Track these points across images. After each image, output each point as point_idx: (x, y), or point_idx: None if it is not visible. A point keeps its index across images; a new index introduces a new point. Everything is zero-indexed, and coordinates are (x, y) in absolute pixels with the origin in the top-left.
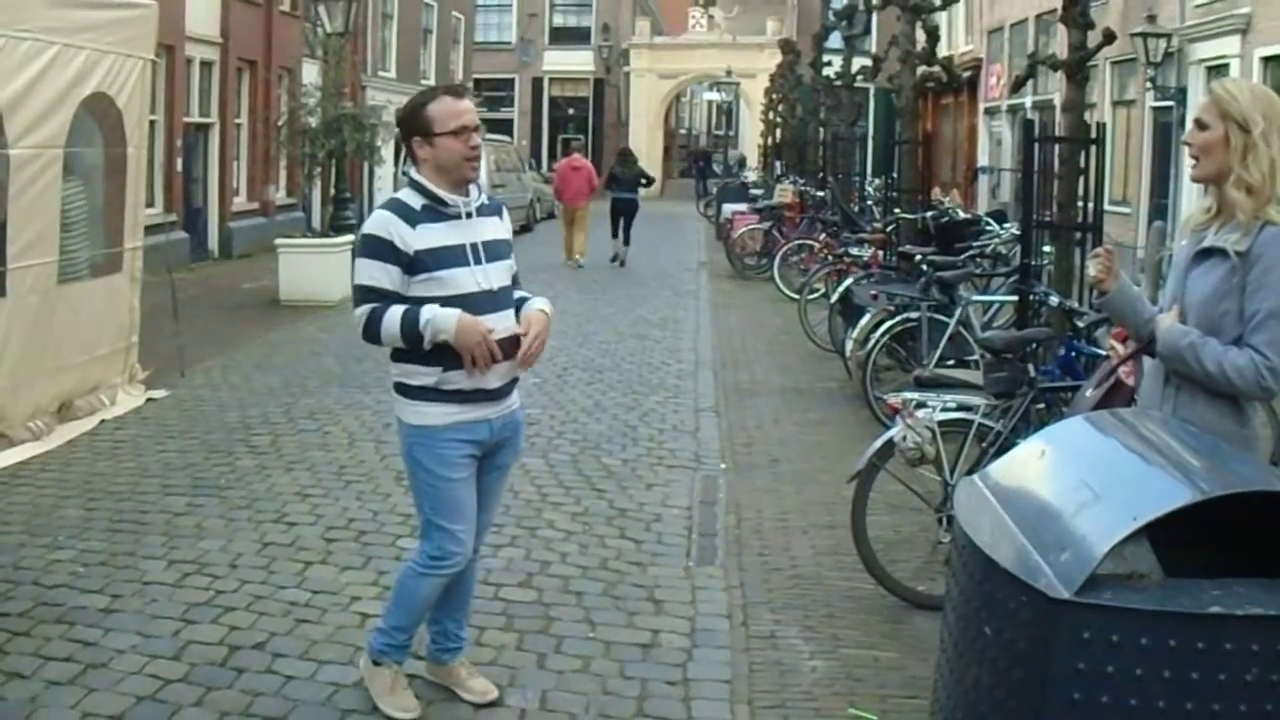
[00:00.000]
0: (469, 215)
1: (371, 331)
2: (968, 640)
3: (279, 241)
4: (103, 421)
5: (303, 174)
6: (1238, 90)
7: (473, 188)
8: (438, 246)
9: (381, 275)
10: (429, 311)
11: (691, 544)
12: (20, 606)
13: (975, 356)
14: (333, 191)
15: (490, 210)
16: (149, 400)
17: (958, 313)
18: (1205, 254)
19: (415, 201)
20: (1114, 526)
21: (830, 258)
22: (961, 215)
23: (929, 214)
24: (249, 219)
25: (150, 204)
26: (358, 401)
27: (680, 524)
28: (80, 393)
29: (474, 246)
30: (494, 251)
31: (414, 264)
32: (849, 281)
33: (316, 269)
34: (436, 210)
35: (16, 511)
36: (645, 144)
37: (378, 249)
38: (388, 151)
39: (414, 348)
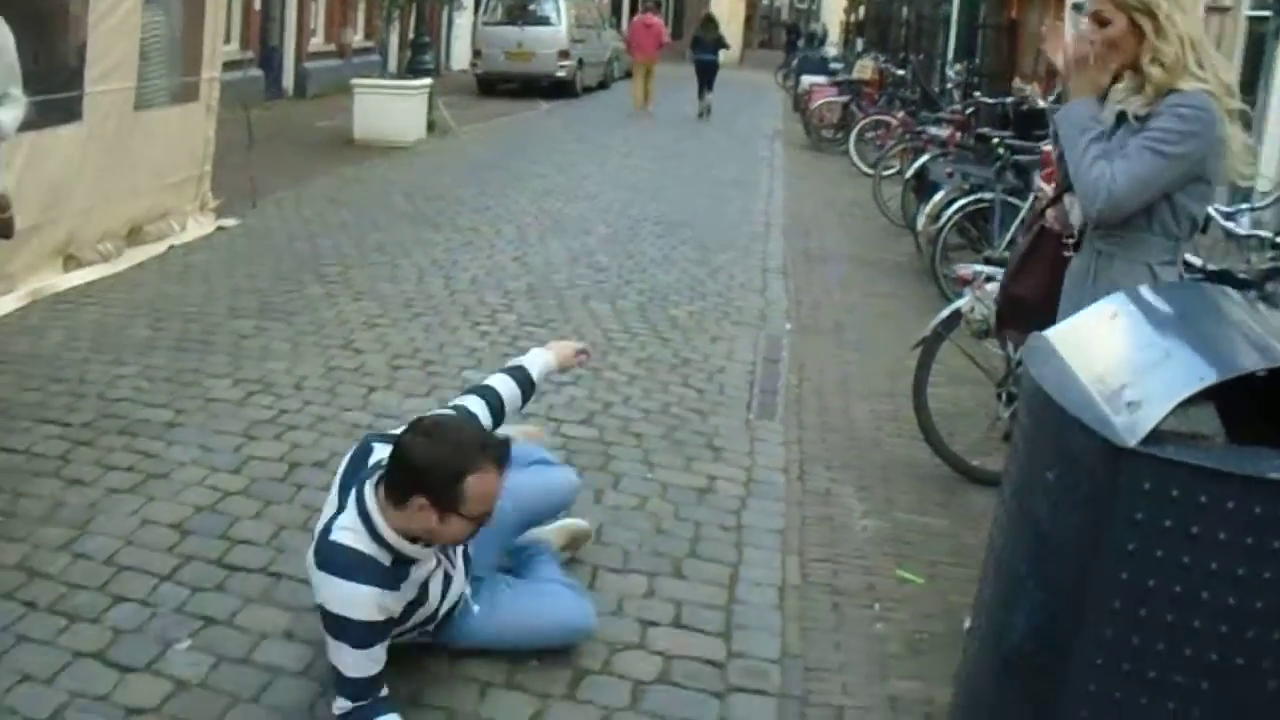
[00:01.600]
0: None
1: None
2: (1028, 486)
3: (355, 81)
4: (172, 247)
5: (381, 18)
6: None
7: None
8: (416, 594)
9: (376, 660)
10: None
11: (753, 398)
12: (84, 418)
13: None
14: (411, 35)
15: None
16: (219, 228)
17: (1030, 199)
18: (1119, 121)
19: (384, 559)
20: (1182, 384)
21: (907, 135)
22: (1041, 104)
23: (1009, 100)
24: (325, 60)
25: (227, 41)
26: (428, 239)
27: (742, 378)
28: (151, 219)
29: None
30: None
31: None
32: (925, 158)
33: (392, 110)
34: (407, 565)
35: (84, 329)
36: (726, 11)
37: (366, 636)
38: None
39: None
